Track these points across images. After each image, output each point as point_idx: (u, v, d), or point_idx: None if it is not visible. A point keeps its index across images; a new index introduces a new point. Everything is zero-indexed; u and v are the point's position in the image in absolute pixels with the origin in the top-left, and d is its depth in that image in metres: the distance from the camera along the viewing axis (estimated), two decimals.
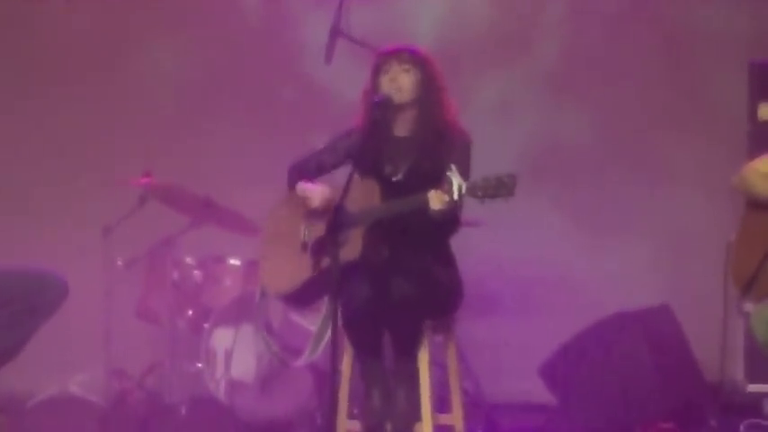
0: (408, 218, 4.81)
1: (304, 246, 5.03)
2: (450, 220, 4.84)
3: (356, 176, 4.80)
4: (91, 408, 6.52)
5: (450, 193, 4.57)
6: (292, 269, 5.02)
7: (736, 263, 5.03)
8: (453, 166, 4.61)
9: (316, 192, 5.02)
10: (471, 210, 4.91)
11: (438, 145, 4.96)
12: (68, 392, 6.68)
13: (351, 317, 4.80)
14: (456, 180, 4.56)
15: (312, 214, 5.01)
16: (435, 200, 4.64)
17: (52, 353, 6.35)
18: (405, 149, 5.04)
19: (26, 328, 5.13)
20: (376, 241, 4.89)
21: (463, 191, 4.56)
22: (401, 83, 4.99)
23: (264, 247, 5.22)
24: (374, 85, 5.07)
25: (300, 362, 5.34)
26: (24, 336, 5.14)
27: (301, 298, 5.12)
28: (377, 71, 5.06)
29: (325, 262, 4.85)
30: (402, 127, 5.07)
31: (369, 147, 4.98)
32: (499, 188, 4.56)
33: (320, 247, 4.93)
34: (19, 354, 5.17)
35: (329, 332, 4.88)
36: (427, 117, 5.02)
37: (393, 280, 4.75)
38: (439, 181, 4.64)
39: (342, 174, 4.90)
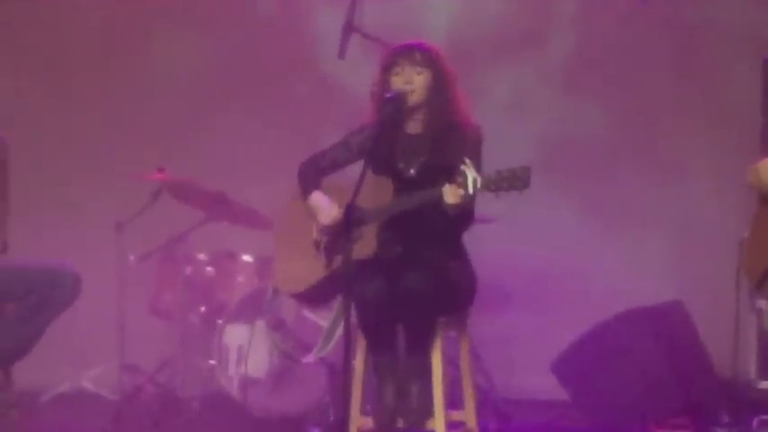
0: (423, 213, 4.81)
1: (317, 244, 5.03)
2: (465, 214, 4.83)
3: (369, 173, 4.78)
4: (104, 403, 6.55)
5: (464, 186, 4.57)
6: (305, 268, 5.02)
7: (749, 259, 5.02)
8: (467, 160, 4.60)
9: (326, 211, 4.99)
10: (484, 205, 4.91)
11: (450, 141, 4.95)
12: (81, 387, 6.72)
13: (365, 313, 4.80)
14: (470, 174, 4.56)
15: (321, 228, 5.00)
16: (450, 194, 4.64)
17: (65, 348, 6.39)
18: (417, 146, 5.03)
19: (39, 323, 5.16)
20: (390, 237, 4.89)
21: (478, 184, 4.56)
22: (415, 85, 4.97)
23: (276, 246, 5.22)
24: (383, 83, 5.05)
25: (309, 358, 5.34)
26: (38, 330, 5.17)
27: (315, 296, 5.11)
28: (387, 70, 5.04)
29: (339, 260, 4.85)
30: (414, 123, 5.06)
31: (381, 143, 4.97)
32: (513, 181, 4.55)
33: (333, 245, 4.93)
34: (33, 348, 5.19)
35: (340, 329, 4.89)
36: (439, 113, 5.00)
37: (407, 276, 4.75)
38: (452, 176, 4.64)
39: (354, 170, 4.89)
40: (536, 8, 7.26)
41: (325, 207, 5.00)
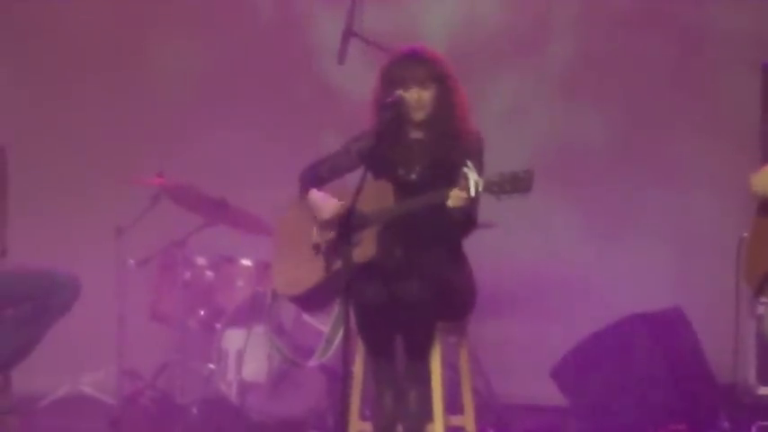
0: (424, 217, 4.80)
1: (316, 248, 5.03)
2: (467, 218, 4.83)
3: (369, 177, 4.78)
4: (102, 407, 6.54)
5: (466, 189, 4.56)
6: (305, 271, 5.02)
7: (748, 264, 5.01)
8: (470, 163, 4.59)
9: (327, 205, 5.00)
10: (484, 211, 4.91)
11: (452, 146, 4.94)
12: (80, 392, 6.71)
13: (363, 318, 4.80)
14: (473, 176, 4.55)
15: (323, 223, 5.00)
16: (452, 197, 4.63)
17: (64, 352, 6.38)
18: (418, 151, 5.03)
19: (39, 327, 5.17)
20: (390, 242, 4.89)
21: (480, 187, 4.55)
22: (423, 102, 4.96)
23: (276, 250, 5.22)
24: (385, 93, 5.02)
25: (310, 363, 5.33)
26: (37, 334, 5.18)
27: (314, 300, 5.11)
28: (391, 83, 5.02)
29: (338, 264, 4.85)
30: (415, 129, 5.06)
31: (382, 148, 4.96)
32: (516, 183, 4.54)
33: (333, 249, 4.92)
34: (32, 352, 5.20)
35: (341, 334, 4.88)
36: (443, 121, 5.00)
37: (406, 282, 4.75)
38: (453, 182, 4.63)
39: (355, 176, 4.89)
40: (535, 15, 7.25)
41: (324, 202, 5.00)
